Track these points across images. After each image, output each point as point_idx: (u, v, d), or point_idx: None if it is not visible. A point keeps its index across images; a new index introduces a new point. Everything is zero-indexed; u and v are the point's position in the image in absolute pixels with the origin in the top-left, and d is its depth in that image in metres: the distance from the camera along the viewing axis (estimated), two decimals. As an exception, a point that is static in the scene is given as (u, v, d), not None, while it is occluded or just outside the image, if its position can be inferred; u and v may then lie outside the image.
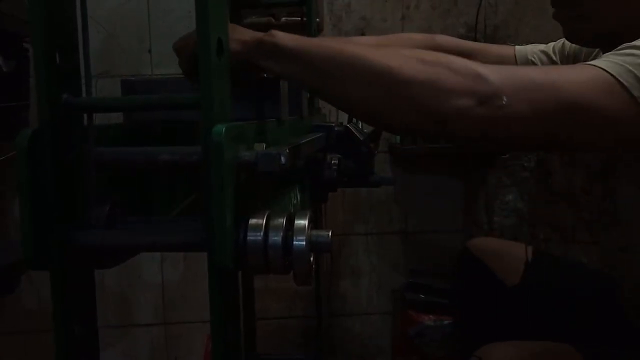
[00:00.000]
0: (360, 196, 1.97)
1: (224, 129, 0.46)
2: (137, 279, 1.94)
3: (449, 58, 0.64)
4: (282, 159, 0.49)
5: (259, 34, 0.69)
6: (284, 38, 0.67)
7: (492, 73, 0.63)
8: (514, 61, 1.09)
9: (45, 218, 0.49)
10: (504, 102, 0.62)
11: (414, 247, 1.99)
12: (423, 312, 1.74)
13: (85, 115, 0.54)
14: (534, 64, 1.07)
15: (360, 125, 1.12)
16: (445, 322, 1.69)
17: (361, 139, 0.99)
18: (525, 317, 1.13)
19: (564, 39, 1.01)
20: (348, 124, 1.04)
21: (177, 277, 1.95)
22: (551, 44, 1.10)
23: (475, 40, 1.83)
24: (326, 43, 0.67)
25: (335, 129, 0.98)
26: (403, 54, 0.64)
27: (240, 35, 0.71)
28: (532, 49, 1.10)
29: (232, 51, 0.54)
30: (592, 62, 0.68)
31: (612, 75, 0.65)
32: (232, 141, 0.48)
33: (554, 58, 1.07)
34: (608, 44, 0.77)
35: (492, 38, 1.91)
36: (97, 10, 1.80)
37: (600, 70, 0.66)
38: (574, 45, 1.02)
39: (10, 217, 1.79)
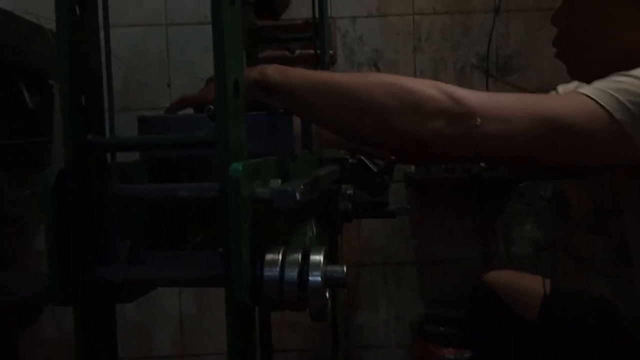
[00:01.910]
0: (376, 226, 1.97)
1: (240, 167, 0.48)
2: (155, 310, 1.95)
3: (428, 83, 0.68)
4: (297, 195, 0.50)
5: (253, 73, 0.72)
6: (272, 74, 0.70)
7: (468, 95, 0.66)
8: None
9: (70, 255, 0.51)
10: (478, 122, 0.64)
11: (431, 276, 1.98)
12: (442, 345, 1.72)
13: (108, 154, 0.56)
14: None
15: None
16: (466, 355, 1.67)
17: (375, 170, 1.00)
18: (543, 352, 1.12)
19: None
20: (362, 156, 1.05)
21: (194, 309, 1.96)
22: (561, 87, 1.12)
23: (487, 70, 1.86)
24: (311, 75, 0.71)
25: (350, 161, 0.99)
26: (384, 81, 0.68)
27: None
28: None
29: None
30: (576, 90, 0.71)
31: (593, 99, 0.67)
32: (249, 178, 0.49)
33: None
34: None
35: (504, 68, 1.92)
36: (119, 48, 1.85)
37: (581, 95, 0.68)
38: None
39: (33, 249, 1.82)
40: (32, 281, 1.19)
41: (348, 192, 1.06)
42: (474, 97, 0.66)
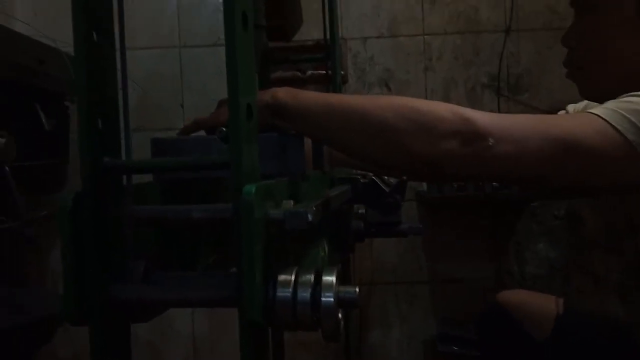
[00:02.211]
0: (388, 244, 1.97)
1: (254, 189, 0.49)
2: (168, 329, 1.96)
3: (440, 105, 0.68)
4: (309, 216, 0.51)
5: (266, 97, 0.73)
6: (284, 98, 0.71)
7: (480, 116, 0.67)
8: None
9: (86, 275, 0.52)
10: (490, 143, 0.65)
11: (444, 295, 1.97)
12: (455, 364, 1.71)
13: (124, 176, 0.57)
14: None
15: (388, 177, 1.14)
16: (478, 374, 1.66)
17: (387, 190, 1.00)
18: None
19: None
20: (374, 175, 1.06)
21: (207, 328, 1.96)
22: (571, 106, 1.12)
23: (499, 89, 1.86)
24: (322, 98, 0.72)
25: (361, 181, 1.00)
26: (396, 103, 0.68)
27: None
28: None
29: None
30: (588, 110, 0.71)
31: (604, 119, 0.67)
32: (261, 200, 0.50)
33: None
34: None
35: (515, 87, 1.93)
36: (133, 70, 1.88)
37: (593, 115, 0.68)
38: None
39: (48, 268, 1.84)
40: (46, 300, 1.20)
41: (360, 211, 1.06)
42: (486, 118, 0.67)
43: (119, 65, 0.60)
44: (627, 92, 0.74)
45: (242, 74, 0.52)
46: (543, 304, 1.20)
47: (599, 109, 0.70)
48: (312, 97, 0.73)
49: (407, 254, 1.97)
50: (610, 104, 0.71)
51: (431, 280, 1.97)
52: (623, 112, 0.68)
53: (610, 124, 0.67)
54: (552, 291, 1.68)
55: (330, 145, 0.75)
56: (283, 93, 0.72)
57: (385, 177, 1.11)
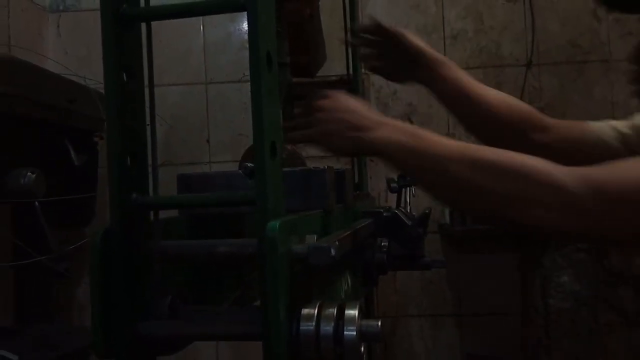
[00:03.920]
0: (412, 277, 1.96)
1: (278, 224, 0.50)
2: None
3: (531, 166, 0.66)
4: (332, 251, 0.52)
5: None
6: (399, 151, 0.70)
7: (572, 180, 0.64)
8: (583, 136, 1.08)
9: (114, 310, 0.53)
10: (584, 208, 0.63)
11: (469, 329, 1.94)
12: (481, 399, 1.68)
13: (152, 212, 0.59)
14: (604, 141, 1.06)
15: (409, 209, 1.14)
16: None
17: (409, 223, 1.01)
18: None
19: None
20: (396, 209, 1.06)
21: (231, 359, 1.95)
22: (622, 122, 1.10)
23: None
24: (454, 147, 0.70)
25: (384, 214, 1.00)
26: (487, 162, 0.67)
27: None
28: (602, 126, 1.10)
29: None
30: None
31: None
32: (286, 235, 0.51)
33: (625, 131, 1.06)
34: None
35: (538, 120, 1.92)
36: (161, 106, 1.92)
37: None
38: None
39: (75, 300, 1.87)
40: (74, 334, 1.22)
41: (383, 243, 1.06)
42: (579, 182, 0.63)
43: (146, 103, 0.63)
44: None
45: (267, 113, 0.53)
46: None
47: None
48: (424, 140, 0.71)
49: (432, 286, 1.96)
50: None
51: (455, 313, 1.95)
52: None
53: None
54: (577, 325, 1.65)
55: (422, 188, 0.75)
56: (397, 147, 0.71)
57: (408, 211, 1.12)
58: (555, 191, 0.64)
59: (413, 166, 0.71)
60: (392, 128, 0.72)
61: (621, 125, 1.09)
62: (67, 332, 1.24)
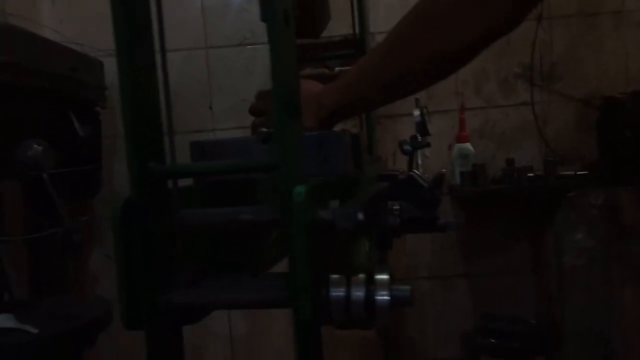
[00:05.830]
0: (422, 240, 1.96)
1: (303, 190, 0.48)
2: (205, 330, 1.97)
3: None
4: (359, 215, 0.51)
5: (313, 120, 0.76)
6: (331, 100, 0.76)
7: None
8: None
9: (138, 281, 0.52)
10: None
11: (481, 289, 1.95)
12: (495, 357, 1.70)
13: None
14: None
15: (421, 171, 1.12)
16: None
17: (425, 185, 0.99)
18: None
19: None
20: (410, 171, 1.05)
21: (245, 330, 1.96)
22: None
23: (532, 79, 1.82)
24: (354, 71, 0.75)
25: (400, 177, 0.99)
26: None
27: (311, 115, 0.77)
28: None
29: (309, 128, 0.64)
30: None
31: None
32: (311, 201, 0.50)
33: None
34: None
35: (549, 76, 1.89)
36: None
37: None
38: None
39: (87, 271, 1.87)
40: (89, 304, 1.22)
41: (394, 207, 1.05)
42: None
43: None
44: None
45: (289, 74, 0.51)
46: None
47: None
48: (346, 81, 0.75)
49: (442, 248, 1.95)
50: None
51: (467, 274, 1.95)
52: None
53: None
54: (591, 282, 1.66)
55: (392, 98, 0.80)
56: (326, 100, 0.74)
57: (423, 173, 1.10)
58: None
59: (369, 95, 0.76)
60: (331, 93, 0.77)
61: None
62: (83, 303, 1.24)
